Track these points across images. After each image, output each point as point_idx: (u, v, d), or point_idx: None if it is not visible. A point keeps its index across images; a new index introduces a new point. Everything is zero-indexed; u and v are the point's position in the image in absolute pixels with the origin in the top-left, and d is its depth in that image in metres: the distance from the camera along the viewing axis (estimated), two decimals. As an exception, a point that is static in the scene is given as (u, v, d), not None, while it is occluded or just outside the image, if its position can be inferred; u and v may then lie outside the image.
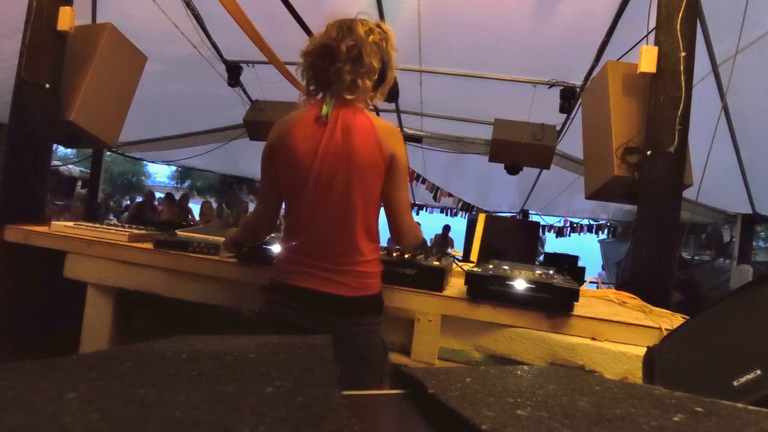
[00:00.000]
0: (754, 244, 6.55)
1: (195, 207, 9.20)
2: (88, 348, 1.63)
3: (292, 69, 3.49)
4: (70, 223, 1.75)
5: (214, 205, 9.98)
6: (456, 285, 1.50)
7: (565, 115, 4.26)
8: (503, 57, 4.08)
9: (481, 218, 2.32)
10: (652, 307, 1.48)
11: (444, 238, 8.84)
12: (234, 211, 8.81)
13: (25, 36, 2.08)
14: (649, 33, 2.14)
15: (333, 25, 1.13)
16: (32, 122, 2.06)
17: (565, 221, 9.43)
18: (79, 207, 5.89)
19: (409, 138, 5.30)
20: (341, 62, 1.08)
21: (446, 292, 1.39)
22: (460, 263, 1.80)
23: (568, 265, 2.55)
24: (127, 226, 1.89)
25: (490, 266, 1.46)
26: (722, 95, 3.43)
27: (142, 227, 1.86)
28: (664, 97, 1.87)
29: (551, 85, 4.11)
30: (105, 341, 1.64)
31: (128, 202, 12.15)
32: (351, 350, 1.09)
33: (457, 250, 2.44)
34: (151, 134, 6.15)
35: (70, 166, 8.40)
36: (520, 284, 1.29)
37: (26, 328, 1.86)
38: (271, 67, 3.62)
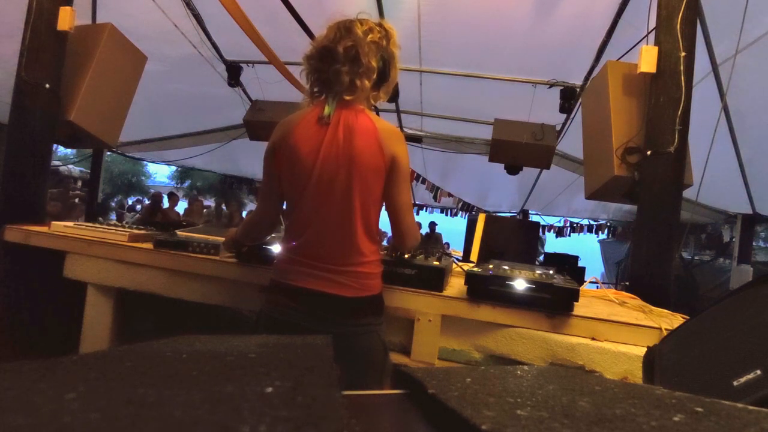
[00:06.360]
0: (754, 244, 6.55)
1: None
2: (88, 348, 1.63)
3: (292, 69, 3.49)
4: (70, 223, 1.75)
5: (208, 203, 9.82)
6: (456, 285, 1.49)
7: (565, 115, 4.26)
8: (503, 57, 4.08)
9: (481, 218, 2.32)
10: (652, 307, 1.47)
11: (432, 235, 8.87)
12: (228, 210, 8.78)
13: (25, 36, 2.08)
14: (649, 33, 2.14)
15: (332, 27, 1.13)
16: (32, 122, 2.06)
17: (565, 221, 9.42)
18: (52, 205, 5.39)
19: (409, 138, 5.28)
20: (339, 63, 1.08)
21: (446, 292, 1.39)
22: (460, 263, 1.80)
23: (568, 265, 2.55)
24: (128, 226, 1.89)
25: (490, 266, 1.46)
26: (722, 95, 3.43)
27: (142, 227, 1.86)
28: (664, 97, 1.87)
29: (551, 85, 4.11)
30: (105, 341, 1.64)
31: (130, 203, 12.12)
32: (351, 351, 1.09)
33: (457, 250, 2.44)
34: (151, 134, 6.14)
35: (70, 166, 8.38)
36: (520, 284, 1.29)
37: (26, 328, 1.85)
38: (271, 67, 3.62)
